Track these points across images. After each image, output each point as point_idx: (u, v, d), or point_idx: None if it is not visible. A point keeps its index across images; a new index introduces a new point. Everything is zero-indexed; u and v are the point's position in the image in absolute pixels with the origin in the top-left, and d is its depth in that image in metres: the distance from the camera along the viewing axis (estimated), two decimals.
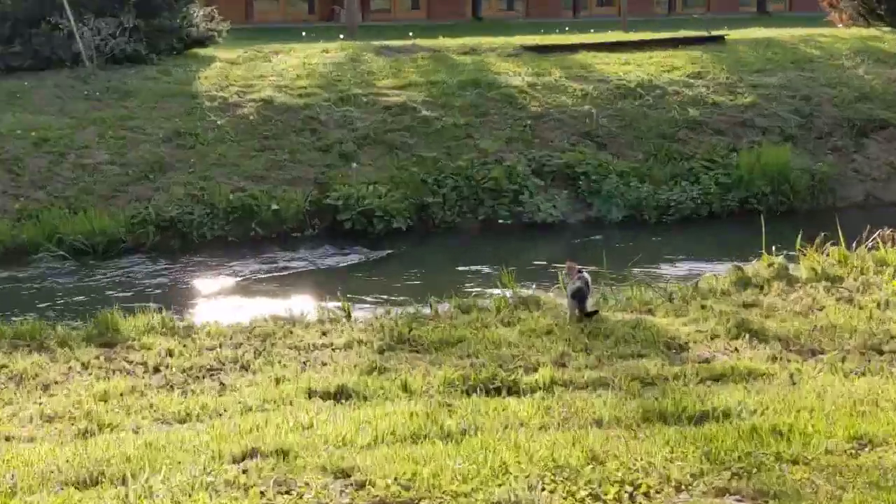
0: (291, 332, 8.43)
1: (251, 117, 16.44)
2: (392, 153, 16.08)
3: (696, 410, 5.80)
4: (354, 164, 15.51)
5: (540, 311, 8.81)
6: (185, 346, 8.03)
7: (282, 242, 14.28)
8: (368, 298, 11.26)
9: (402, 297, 11.06)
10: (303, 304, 9.97)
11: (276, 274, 12.87)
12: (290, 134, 16.21)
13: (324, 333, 8.41)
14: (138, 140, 15.70)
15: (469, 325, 8.30)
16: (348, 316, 9.03)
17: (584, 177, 16.06)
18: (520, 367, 7.07)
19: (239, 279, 12.66)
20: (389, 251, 13.90)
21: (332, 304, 9.34)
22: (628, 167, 16.36)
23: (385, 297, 11.37)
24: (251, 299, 11.52)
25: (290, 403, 6.41)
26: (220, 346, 8.03)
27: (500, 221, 15.21)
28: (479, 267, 12.97)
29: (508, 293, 9.50)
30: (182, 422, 6.12)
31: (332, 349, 7.90)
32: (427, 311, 9.01)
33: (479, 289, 11.42)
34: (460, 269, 13.08)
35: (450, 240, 14.74)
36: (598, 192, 15.90)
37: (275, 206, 14.54)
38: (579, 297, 8.28)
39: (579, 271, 8.45)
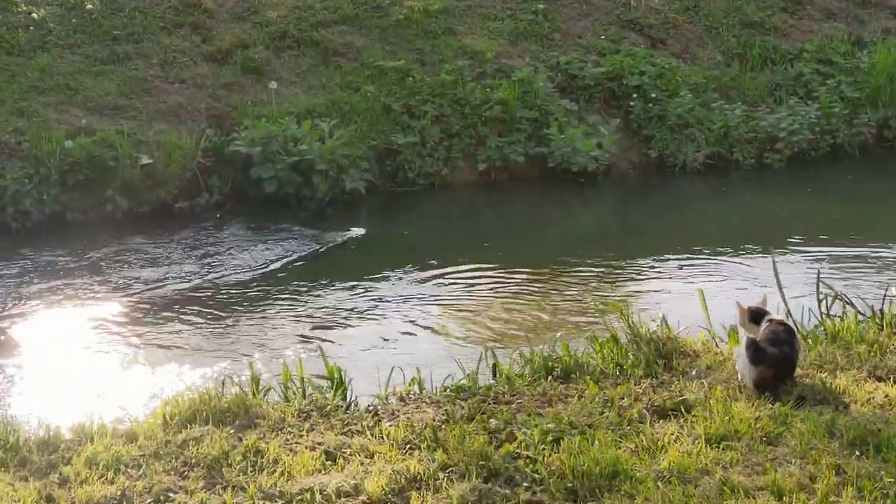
0: (259, 452, 6.33)
1: (89, 4, 16.06)
2: (330, 61, 15.41)
3: None
4: (273, 83, 14.67)
5: (701, 373, 7.08)
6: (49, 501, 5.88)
7: (161, 222, 13.10)
8: (342, 334, 9.60)
9: (405, 333, 9.56)
10: (233, 356, 8.89)
11: (159, 287, 11.04)
12: (158, 32, 15.61)
13: (328, 456, 6.29)
14: None
15: (585, 410, 6.54)
16: (345, 400, 7.10)
17: (639, 94, 15.28)
18: None
19: (96, 299, 10.77)
20: (347, 232, 12.67)
21: (301, 356, 7.87)
22: (703, 76, 15.80)
23: (373, 332, 9.69)
24: (138, 347, 9.56)
25: None
26: (123, 498, 5.88)
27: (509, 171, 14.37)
28: (503, 265, 11.35)
29: (618, 326, 7.81)
30: None
31: None
32: (486, 370, 7.49)
33: (524, 309, 10.02)
34: (470, 269, 11.24)
35: (437, 205, 13.88)
36: (661, 119, 15.05)
37: (145, 160, 13.26)
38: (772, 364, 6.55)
39: (764, 315, 6.84)
